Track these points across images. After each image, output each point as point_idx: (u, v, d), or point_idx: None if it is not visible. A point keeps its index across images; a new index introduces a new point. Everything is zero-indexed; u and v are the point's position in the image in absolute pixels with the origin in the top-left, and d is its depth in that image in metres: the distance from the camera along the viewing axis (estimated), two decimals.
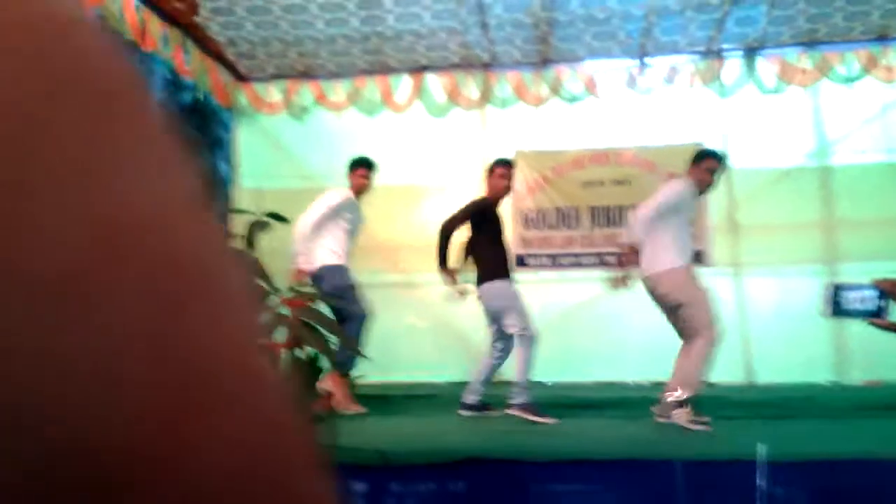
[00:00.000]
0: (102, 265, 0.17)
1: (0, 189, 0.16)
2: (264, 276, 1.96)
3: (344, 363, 4.73)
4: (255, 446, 0.19)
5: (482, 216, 4.93)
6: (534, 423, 4.29)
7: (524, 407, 4.43)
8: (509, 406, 4.53)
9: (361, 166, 5.51)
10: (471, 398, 4.84)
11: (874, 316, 1.32)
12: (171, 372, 0.18)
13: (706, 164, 4.54)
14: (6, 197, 0.16)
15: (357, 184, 5.47)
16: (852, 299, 1.35)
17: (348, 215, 5.40)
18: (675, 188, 4.48)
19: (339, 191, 5.46)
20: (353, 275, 5.30)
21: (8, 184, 0.16)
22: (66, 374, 0.16)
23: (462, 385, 5.30)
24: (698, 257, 6.95)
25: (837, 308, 1.36)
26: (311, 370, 1.87)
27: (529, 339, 4.63)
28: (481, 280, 4.86)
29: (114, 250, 0.18)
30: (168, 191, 0.21)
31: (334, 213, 5.29)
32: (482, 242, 4.91)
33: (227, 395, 0.19)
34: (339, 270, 5.19)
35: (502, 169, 5.00)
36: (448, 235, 4.91)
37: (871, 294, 1.32)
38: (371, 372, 6.94)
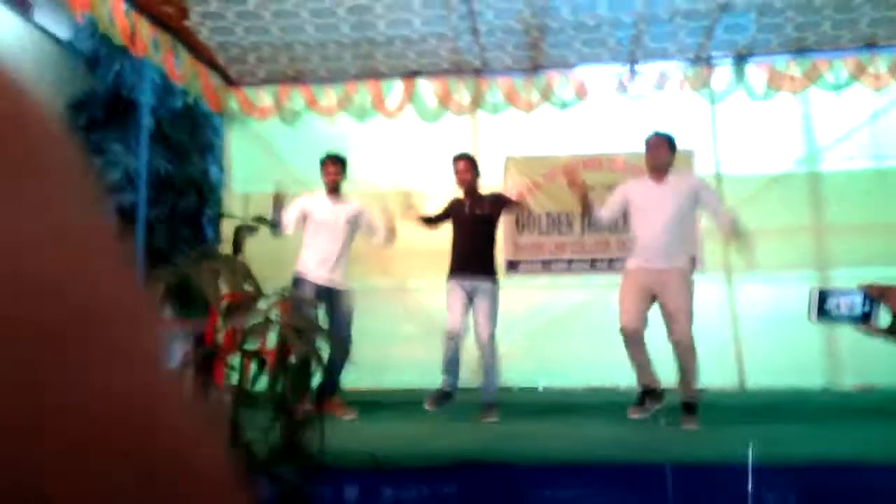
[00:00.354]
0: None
1: None
2: (251, 280, 1.95)
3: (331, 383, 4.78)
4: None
5: (446, 214, 5.27)
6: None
7: None
8: None
9: (325, 162, 5.46)
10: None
11: (861, 321, 1.33)
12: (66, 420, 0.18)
13: (647, 144, 4.81)
14: None
15: (325, 181, 5.42)
16: (838, 304, 1.35)
17: (312, 217, 5.33)
18: (619, 185, 4.87)
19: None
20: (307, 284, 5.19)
21: None
22: None
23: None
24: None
25: (823, 313, 1.36)
26: (300, 374, 1.87)
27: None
28: None
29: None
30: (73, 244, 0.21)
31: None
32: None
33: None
34: (296, 280, 5.15)
35: (455, 165, 5.27)
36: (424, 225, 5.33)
37: (857, 298, 1.32)
38: (363, 377, 6.94)
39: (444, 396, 4.93)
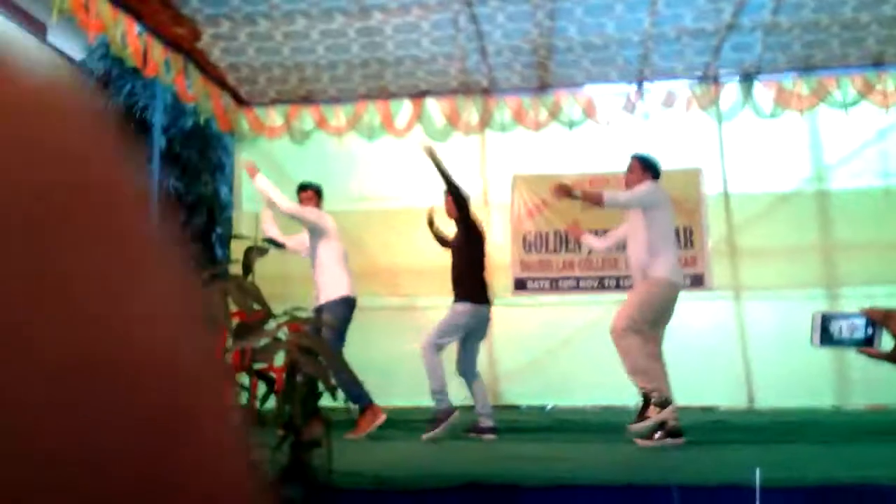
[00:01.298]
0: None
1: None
2: (261, 300, 1.97)
3: (355, 395, 4.82)
4: None
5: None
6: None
7: None
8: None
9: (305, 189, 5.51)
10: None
11: (864, 345, 1.33)
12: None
13: None
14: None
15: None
16: (841, 328, 1.35)
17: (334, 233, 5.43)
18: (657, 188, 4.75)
19: None
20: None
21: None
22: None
23: (463, 409, 5.31)
24: (697, 280, 6.97)
25: (826, 337, 1.36)
26: (308, 394, 1.88)
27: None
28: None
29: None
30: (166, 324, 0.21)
31: None
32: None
33: None
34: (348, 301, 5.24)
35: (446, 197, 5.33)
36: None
37: (859, 322, 1.32)
38: (371, 396, 6.93)
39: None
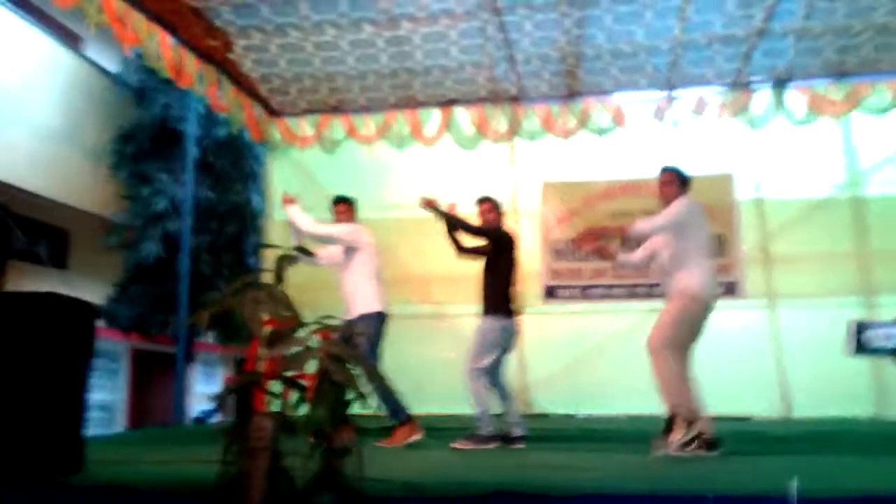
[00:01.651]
0: None
1: None
2: (292, 308, 2.00)
3: (394, 409, 4.90)
4: None
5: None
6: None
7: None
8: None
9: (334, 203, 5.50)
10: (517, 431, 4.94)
11: None
12: None
13: None
14: None
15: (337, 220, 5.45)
16: (876, 337, 1.34)
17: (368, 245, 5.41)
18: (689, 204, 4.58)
19: None
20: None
21: None
22: None
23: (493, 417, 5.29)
24: (731, 288, 6.89)
25: (861, 346, 1.35)
26: (338, 401, 1.91)
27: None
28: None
29: None
30: None
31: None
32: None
33: None
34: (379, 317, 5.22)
35: (479, 206, 5.28)
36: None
37: (895, 331, 1.31)
38: (409, 412, 6.95)
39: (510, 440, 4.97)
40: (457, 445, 4.80)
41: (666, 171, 4.56)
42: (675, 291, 4.35)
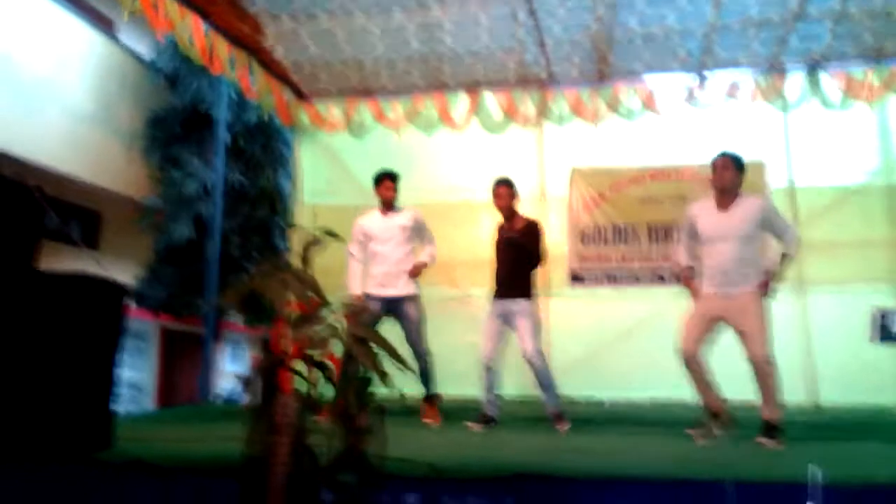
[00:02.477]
0: None
1: None
2: (318, 291, 2.03)
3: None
4: None
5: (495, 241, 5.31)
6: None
7: None
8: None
9: (384, 178, 5.53)
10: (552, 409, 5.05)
11: None
12: None
13: (712, 165, 4.52)
14: None
15: (381, 196, 5.53)
16: None
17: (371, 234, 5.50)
18: (686, 213, 4.68)
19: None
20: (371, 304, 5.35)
21: None
22: None
23: (518, 400, 5.33)
24: None
25: (886, 333, 1.34)
26: (362, 384, 1.94)
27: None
28: None
29: None
30: None
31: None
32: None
33: None
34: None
35: (495, 189, 5.26)
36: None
37: None
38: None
39: (487, 420, 5.00)
40: (559, 427, 4.89)
41: (725, 156, 4.47)
42: (751, 288, 4.31)
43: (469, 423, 4.95)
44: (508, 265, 5.13)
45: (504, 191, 5.20)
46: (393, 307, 5.35)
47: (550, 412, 4.99)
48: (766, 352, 4.16)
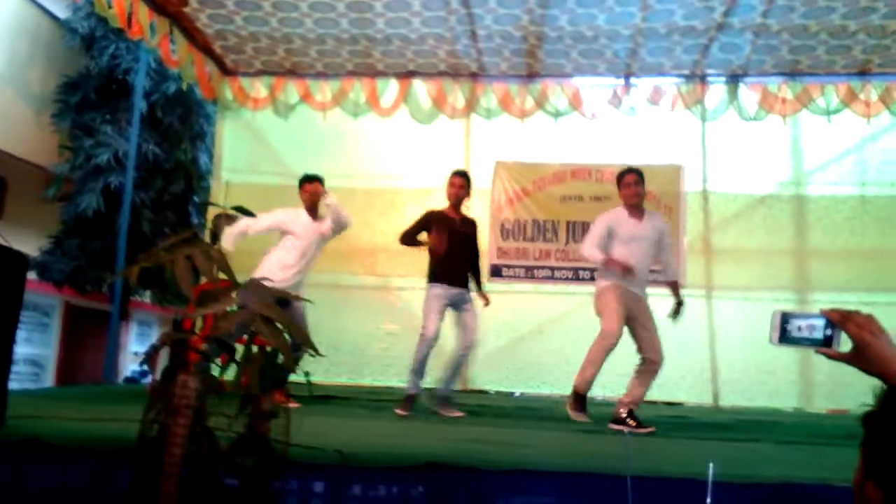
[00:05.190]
0: None
1: None
2: (227, 268, 1.95)
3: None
4: None
5: (430, 225, 5.23)
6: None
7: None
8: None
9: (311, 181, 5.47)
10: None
11: (822, 345, 1.34)
12: None
13: (625, 181, 4.83)
14: None
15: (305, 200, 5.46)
16: (800, 328, 1.36)
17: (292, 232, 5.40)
18: (602, 217, 4.87)
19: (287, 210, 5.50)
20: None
21: None
22: None
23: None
24: None
25: (784, 335, 1.37)
26: (268, 366, 1.87)
27: (420, 337, 5.02)
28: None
29: None
30: None
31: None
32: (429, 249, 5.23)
33: None
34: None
35: (453, 179, 5.36)
36: (406, 244, 5.27)
37: (819, 323, 1.33)
38: (342, 374, 6.94)
39: (412, 400, 5.02)
40: (452, 412, 4.99)
41: (637, 172, 4.85)
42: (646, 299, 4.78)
43: (398, 409, 4.94)
44: (460, 255, 5.20)
45: (461, 182, 5.32)
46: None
47: (445, 395, 5.09)
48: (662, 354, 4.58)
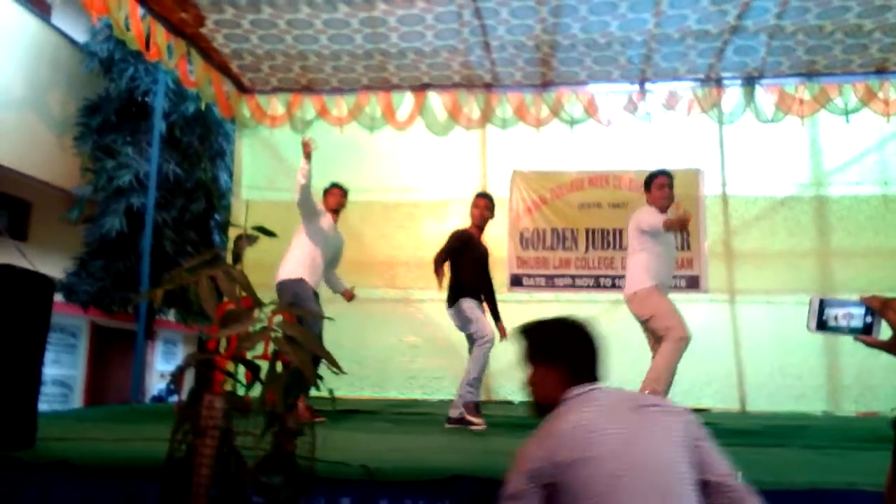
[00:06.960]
0: None
1: None
2: (248, 288, 1.97)
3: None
4: None
5: (462, 245, 5.25)
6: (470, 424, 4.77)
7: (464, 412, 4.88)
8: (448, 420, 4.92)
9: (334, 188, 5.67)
10: (455, 412, 4.98)
11: (862, 333, 1.32)
12: None
13: (657, 183, 4.87)
14: None
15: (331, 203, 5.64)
16: (838, 315, 1.34)
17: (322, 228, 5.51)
18: (651, 209, 4.84)
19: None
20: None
21: None
22: None
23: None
24: (693, 282, 6.97)
25: (822, 322, 1.35)
26: (292, 383, 1.89)
27: (480, 341, 5.03)
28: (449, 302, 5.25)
29: None
30: None
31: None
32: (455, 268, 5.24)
33: None
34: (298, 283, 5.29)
35: (478, 200, 5.43)
36: (438, 266, 5.16)
37: (857, 311, 1.31)
38: (365, 387, 6.95)
39: (479, 407, 5.02)
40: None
41: (669, 175, 5.01)
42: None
43: (471, 420, 4.89)
44: (486, 278, 5.38)
45: (486, 203, 5.40)
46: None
47: (475, 402, 5.05)
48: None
